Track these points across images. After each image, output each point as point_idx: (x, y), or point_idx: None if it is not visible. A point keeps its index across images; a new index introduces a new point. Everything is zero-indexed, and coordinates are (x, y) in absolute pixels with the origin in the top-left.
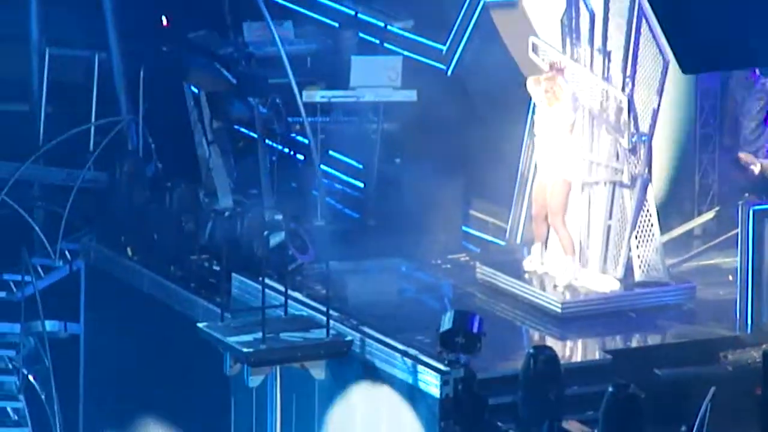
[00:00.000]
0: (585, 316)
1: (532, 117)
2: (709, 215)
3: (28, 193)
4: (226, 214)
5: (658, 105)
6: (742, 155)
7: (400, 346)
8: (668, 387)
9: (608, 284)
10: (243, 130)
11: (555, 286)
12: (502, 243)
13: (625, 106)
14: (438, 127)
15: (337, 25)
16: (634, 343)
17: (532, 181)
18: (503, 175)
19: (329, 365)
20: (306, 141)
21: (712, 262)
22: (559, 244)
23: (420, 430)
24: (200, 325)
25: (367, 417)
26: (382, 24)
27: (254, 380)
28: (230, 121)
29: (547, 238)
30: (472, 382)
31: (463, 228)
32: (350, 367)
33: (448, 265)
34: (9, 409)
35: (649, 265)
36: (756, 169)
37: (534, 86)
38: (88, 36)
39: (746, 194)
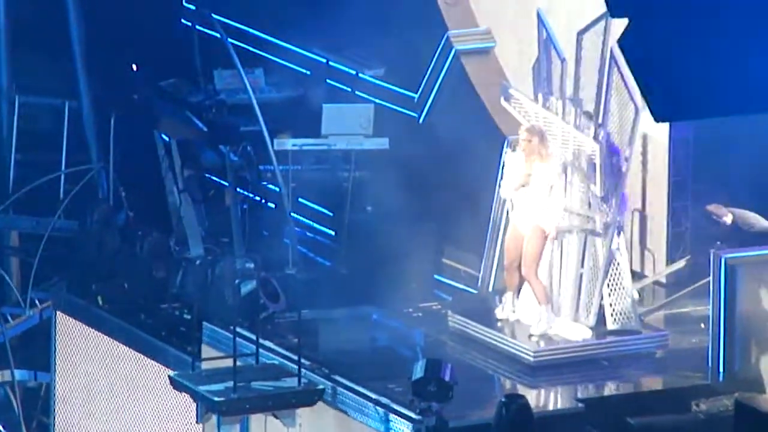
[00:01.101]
0: (557, 365)
1: (502, 168)
2: (681, 263)
3: None
4: (198, 262)
5: (631, 153)
6: (711, 207)
7: (373, 395)
8: None
9: (580, 333)
10: (214, 178)
11: (530, 335)
12: (474, 291)
13: (597, 154)
14: (410, 175)
15: (308, 72)
16: (606, 392)
17: (504, 229)
18: (475, 223)
19: (302, 414)
20: (277, 189)
21: (684, 310)
22: (533, 294)
23: None
24: (171, 374)
25: None
26: (353, 72)
27: (226, 429)
28: (201, 169)
29: (519, 287)
30: (444, 430)
31: (435, 276)
32: (322, 415)
33: (420, 314)
34: None
35: (621, 314)
36: (728, 219)
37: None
38: (58, 84)
39: (718, 242)
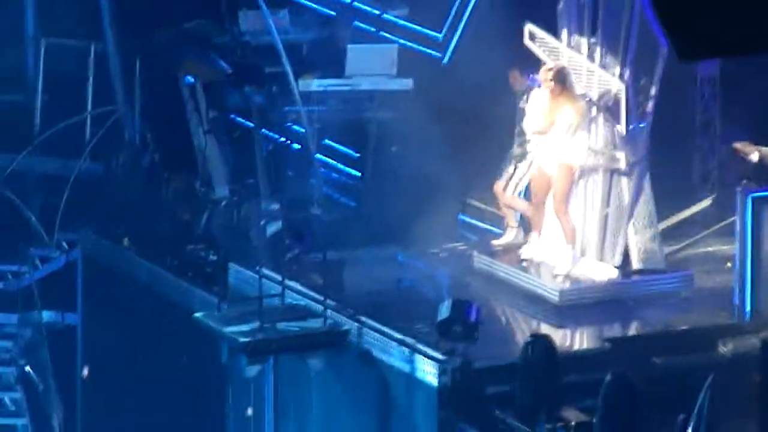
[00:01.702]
0: (583, 305)
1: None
2: (707, 202)
3: (25, 183)
4: (223, 203)
5: (657, 92)
6: (738, 145)
7: (398, 335)
8: (666, 375)
9: (606, 272)
10: (239, 119)
11: (555, 275)
12: (500, 231)
13: (622, 93)
14: (434, 116)
15: (333, 13)
16: (632, 332)
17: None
18: (501, 162)
19: (326, 354)
20: (302, 130)
21: (710, 249)
22: (561, 231)
23: (418, 420)
24: (197, 315)
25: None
26: (377, 12)
27: (251, 370)
28: (226, 110)
29: (545, 227)
30: (469, 371)
31: (461, 216)
32: (347, 356)
33: (446, 254)
34: (7, 400)
35: (646, 253)
36: (754, 157)
37: (542, 75)
38: (83, 26)
39: (744, 181)
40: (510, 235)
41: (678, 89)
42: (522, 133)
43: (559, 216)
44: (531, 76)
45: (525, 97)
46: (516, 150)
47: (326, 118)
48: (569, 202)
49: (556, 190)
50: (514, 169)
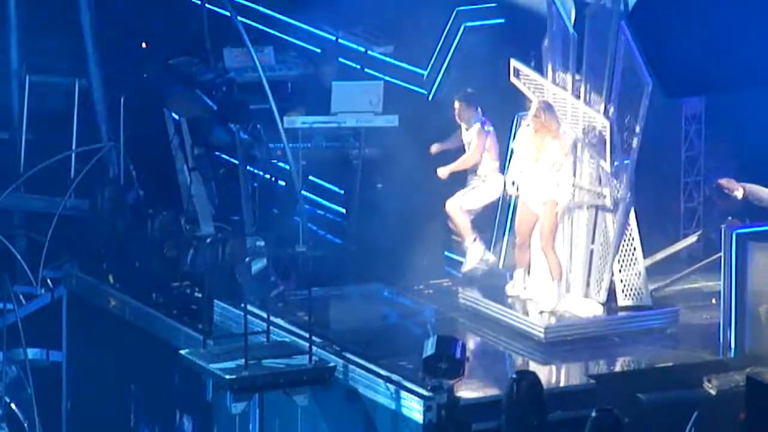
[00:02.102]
0: (568, 341)
1: (513, 140)
2: (693, 239)
3: (9, 221)
4: (208, 240)
5: (641, 129)
6: (723, 182)
7: (383, 372)
8: (652, 411)
9: (591, 309)
10: (224, 156)
11: (540, 312)
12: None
13: (607, 130)
14: (419, 152)
15: (318, 50)
16: (617, 368)
17: (514, 207)
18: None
19: (312, 391)
20: (287, 167)
21: (695, 285)
22: (547, 268)
23: None
24: (182, 352)
25: None
26: (362, 49)
27: (237, 407)
28: (211, 147)
29: (530, 264)
30: (455, 407)
31: (446, 253)
32: (333, 393)
33: (431, 290)
34: None
35: (632, 289)
36: (739, 194)
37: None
38: (68, 63)
39: (729, 218)
40: (475, 256)
41: (663, 126)
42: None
43: (546, 252)
44: (478, 108)
45: (464, 128)
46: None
47: (311, 155)
48: (555, 239)
49: (542, 226)
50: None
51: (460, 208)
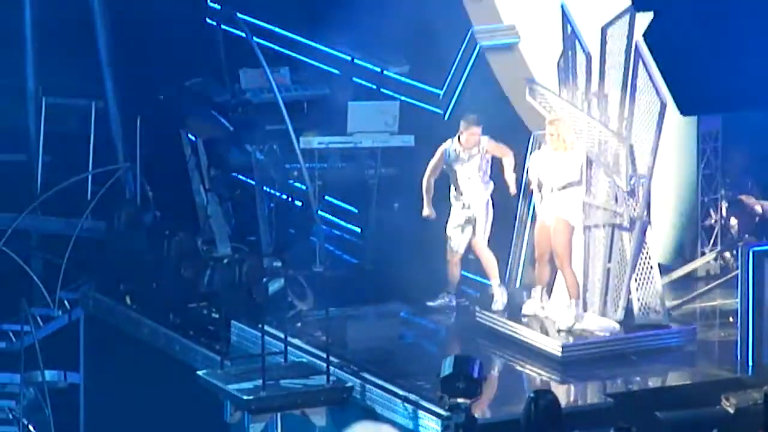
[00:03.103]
0: (586, 360)
1: (528, 160)
2: (710, 257)
3: (27, 243)
4: (225, 261)
5: (657, 147)
6: (744, 197)
7: (401, 392)
8: (670, 430)
9: (608, 327)
10: (241, 177)
11: (558, 330)
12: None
13: (622, 148)
14: None
15: (335, 71)
16: (635, 386)
17: (531, 224)
18: (502, 217)
19: (330, 411)
20: (304, 187)
21: (713, 303)
22: (565, 286)
23: None
24: (200, 372)
25: None
26: (378, 69)
27: (255, 427)
28: (228, 168)
29: (548, 282)
30: (473, 427)
31: (462, 272)
32: (351, 413)
33: (447, 310)
34: None
35: (649, 308)
36: (758, 209)
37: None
38: (84, 85)
39: (746, 235)
40: (443, 300)
41: (679, 144)
42: (458, 196)
43: (563, 270)
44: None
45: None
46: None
47: (328, 175)
48: (571, 256)
49: (555, 245)
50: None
51: (486, 245)
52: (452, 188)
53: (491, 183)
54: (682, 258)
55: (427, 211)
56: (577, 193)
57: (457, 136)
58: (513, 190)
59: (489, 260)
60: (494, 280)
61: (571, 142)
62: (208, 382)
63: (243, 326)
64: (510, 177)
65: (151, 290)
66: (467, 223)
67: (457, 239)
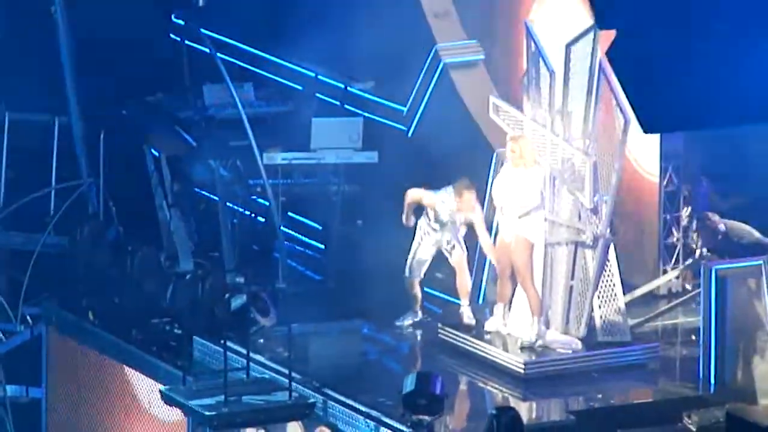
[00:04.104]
0: (548, 377)
1: (492, 177)
2: (672, 275)
3: None
4: (188, 277)
5: (620, 165)
6: (709, 215)
7: (363, 408)
8: None
9: (571, 344)
10: (204, 192)
11: (521, 347)
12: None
13: (586, 165)
14: (399, 189)
15: (299, 87)
16: (597, 404)
17: (494, 241)
18: (465, 235)
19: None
20: (267, 203)
21: (675, 321)
22: (527, 303)
23: None
24: (162, 388)
25: None
26: (342, 85)
27: None
28: (191, 183)
29: (510, 299)
30: None
31: (425, 288)
32: (313, 429)
33: (410, 327)
34: None
35: (611, 325)
36: (722, 227)
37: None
38: (47, 100)
39: (709, 253)
40: (411, 320)
41: (641, 161)
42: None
43: (524, 287)
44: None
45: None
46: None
47: (291, 191)
48: (532, 273)
49: (515, 263)
50: (416, 248)
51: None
52: (428, 221)
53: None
54: (644, 276)
55: (409, 220)
56: (537, 211)
57: (450, 194)
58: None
59: (466, 278)
60: (465, 300)
61: (532, 160)
62: (170, 398)
63: (205, 342)
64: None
65: (114, 305)
66: (432, 252)
67: (421, 265)
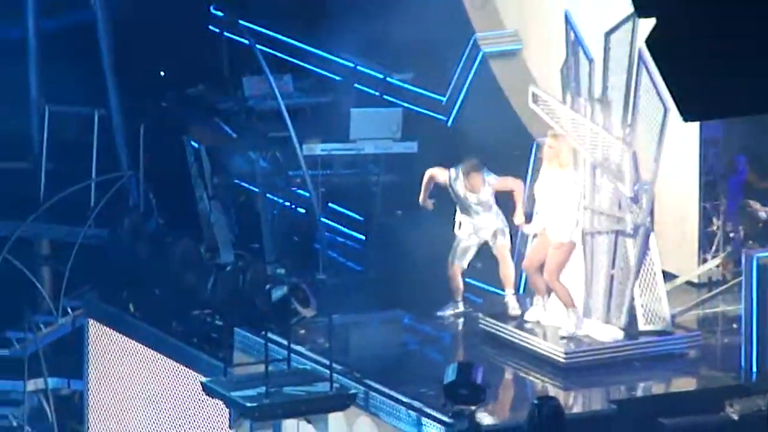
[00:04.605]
0: (589, 366)
1: (533, 171)
2: (713, 263)
3: (30, 250)
4: (228, 268)
5: (660, 153)
6: (750, 202)
7: (404, 399)
8: None
9: (612, 333)
10: (244, 184)
11: (561, 337)
12: (505, 293)
13: (626, 155)
14: None
15: (337, 78)
16: (638, 393)
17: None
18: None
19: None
20: (307, 194)
21: (716, 310)
22: (558, 299)
23: None
24: (203, 380)
25: None
26: (381, 76)
27: None
28: (231, 175)
29: (546, 289)
30: None
31: (466, 279)
32: (354, 420)
33: (451, 317)
34: None
35: (652, 314)
36: (763, 215)
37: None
38: (87, 92)
39: (750, 242)
40: (453, 310)
41: (681, 150)
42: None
43: (551, 284)
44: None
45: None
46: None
47: (331, 182)
48: (560, 274)
49: (549, 260)
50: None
51: (509, 252)
52: (459, 212)
53: (500, 211)
54: (686, 264)
55: (426, 201)
56: (569, 213)
57: (459, 172)
58: (518, 220)
59: (510, 268)
60: (509, 289)
61: (568, 161)
62: (211, 390)
63: (246, 333)
64: (519, 211)
65: (155, 297)
66: (475, 241)
67: (464, 252)
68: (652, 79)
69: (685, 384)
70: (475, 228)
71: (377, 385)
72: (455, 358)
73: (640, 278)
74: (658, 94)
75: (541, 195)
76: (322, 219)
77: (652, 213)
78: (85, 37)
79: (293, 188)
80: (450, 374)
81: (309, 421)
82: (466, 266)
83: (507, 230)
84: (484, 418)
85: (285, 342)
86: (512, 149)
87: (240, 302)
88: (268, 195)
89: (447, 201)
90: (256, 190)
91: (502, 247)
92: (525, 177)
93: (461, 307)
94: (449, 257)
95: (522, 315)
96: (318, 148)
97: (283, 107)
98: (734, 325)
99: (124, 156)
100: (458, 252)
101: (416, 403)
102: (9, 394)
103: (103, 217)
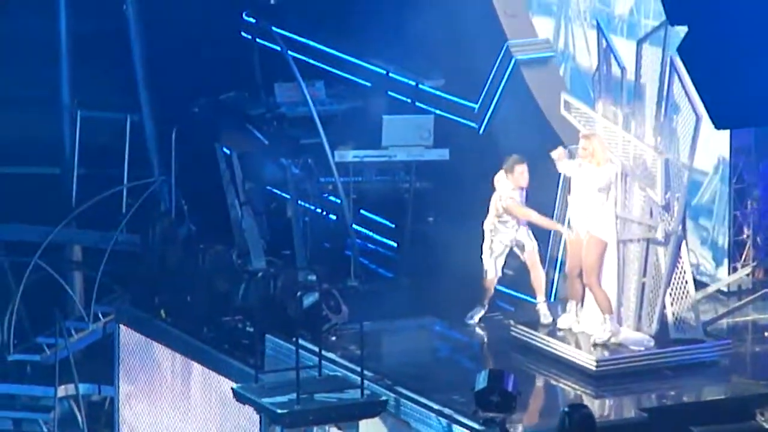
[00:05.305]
0: (620, 374)
1: (565, 177)
2: (743, 272)
3: (62, 256)
4: (260, 275)
5: (692, 161)
6: None
7: (435, 406)
8: None
9: (643, 342)
10: (275, 190)
11: (593, 344)
12: (536, 301)
13: (658, 162)
14: (471, 186)
15: (369, 84)
16: (669, 401)
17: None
18: (537, 232)
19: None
20: (338, 201)
21: (747, 318)
22: (596, 303)
23: None
24: (234, 386)
25: None
26: (413, 83)
27: None
28: (262, 181)
29: (582, 296)
30: None
31: (497, 286)
32: (385, 426)
33: (482, 324)
34: None
35: (683, 322)
36: None
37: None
38: (119, 98)
39: None
40: (477, 313)
41: (708, 158)
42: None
43: (591, 287)
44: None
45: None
46: (488, 224)
47: (363, 189)
48: (600, 274)
49: (585, 262)
50: (490, 247)
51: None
52: (497, 213)
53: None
54: (716, 273)
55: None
56: (609, 209)
57: (504, 172)
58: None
59: (541, 275)
60: (540, 296)
61: (604, 158)
62: (242, 396)
63: (277, 340)
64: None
65: (186, 303)
66: (507, 248)
67: (493, 264)
68: (684, 87)
69: (716, 392)
70: (507, 238)
71: (408, 392)
72: (486, 366)
73: (672, 286)
74: (690, 102)
75: (580, 196)
76: (354, 226)
77: (683, 221)
78: (117, 42)
79: (325, 195)
80: (481, 381)
81: (340, 428)
82: (499, 274)
83: (532, 236)
84: (515, 426)
85: (316, 349)
86: (544, 156)
87: (271, 309)
88: (299, 201)
89: (478, 207)
90: (288, 196)
91: (530, 254)
92: (557, 183)
93: (485, 309)
94: (482, 272)
95: (553, 323)
96: (350, 155)
97: (315, 114)
98: (765, 334)
99: (156, 162)
100: (489, 265)
101: (447, 410)
102: (39, 400)
103: (135, 222)
